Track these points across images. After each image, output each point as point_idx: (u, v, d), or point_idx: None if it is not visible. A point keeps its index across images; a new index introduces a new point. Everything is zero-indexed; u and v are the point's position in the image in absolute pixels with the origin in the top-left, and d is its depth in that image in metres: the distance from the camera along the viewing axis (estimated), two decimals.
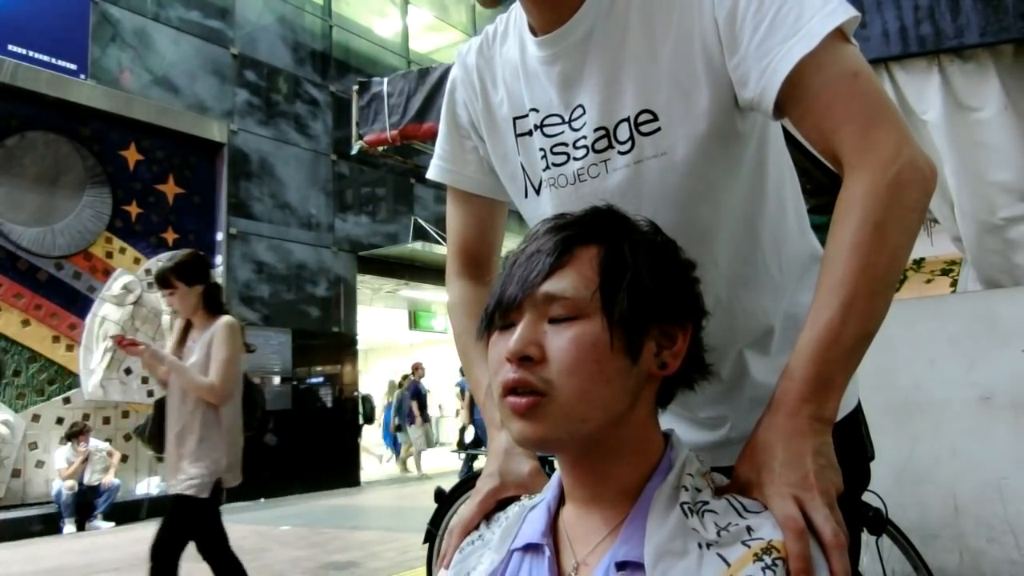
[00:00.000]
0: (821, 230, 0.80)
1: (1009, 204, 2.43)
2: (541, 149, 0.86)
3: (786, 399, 0.66)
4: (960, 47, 2.40)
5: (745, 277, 0.87)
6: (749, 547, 0.58)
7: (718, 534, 0.59)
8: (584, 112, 0.82)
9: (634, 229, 0.68)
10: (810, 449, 0.64)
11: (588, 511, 0.67)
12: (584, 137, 0.82)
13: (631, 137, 0.79)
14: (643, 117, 0.78)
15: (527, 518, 0.72)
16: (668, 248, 0.69)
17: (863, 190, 0.67)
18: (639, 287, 0.63)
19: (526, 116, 0.88)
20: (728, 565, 0.57)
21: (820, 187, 3.52)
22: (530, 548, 0.69)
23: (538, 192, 0.90)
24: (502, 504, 0.80)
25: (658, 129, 0.78)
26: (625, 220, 0.69)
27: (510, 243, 0.71)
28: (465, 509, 0.82)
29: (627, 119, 0.79)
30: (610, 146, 0.81)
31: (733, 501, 0.63)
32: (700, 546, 0.59)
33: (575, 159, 0.84)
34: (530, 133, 0.89)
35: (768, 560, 0.57)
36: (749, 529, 0.59)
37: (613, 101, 0.80)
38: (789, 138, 1.00)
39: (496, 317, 0.66)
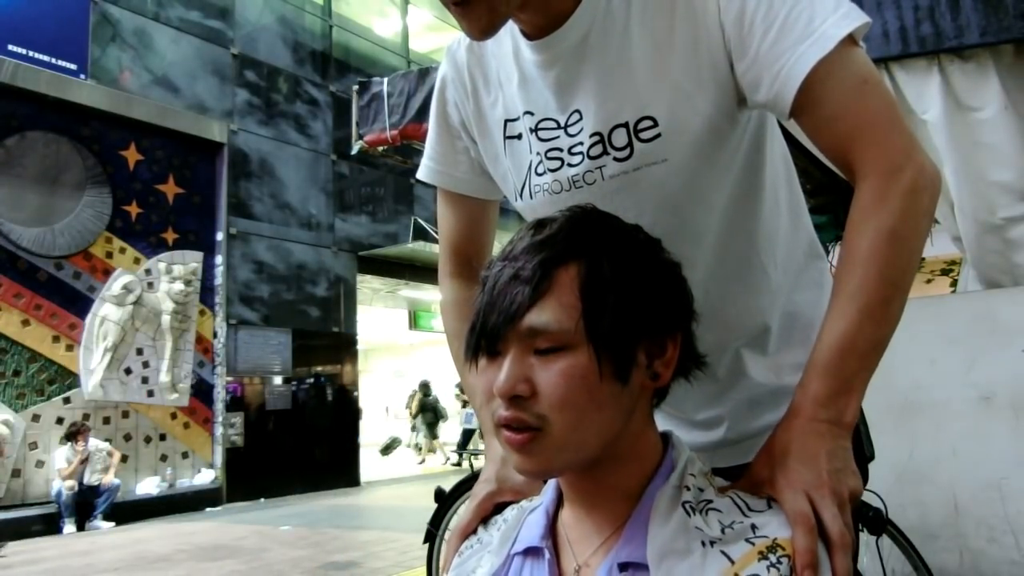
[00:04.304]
0: (821, 230, 0.80)
1: (1009, 204, 2.43)
2: (538, 153, 0.85)
3: (804, 405, 0.67)
4: (960, 47, 2.40)
5: (739, 275, 0.87)
6: (753, 544, 0.58)
7: (722, 531, 0.60)
8: (581, 117, 0.80)
9: (615, 235, 0.66)
10: (825, 450, 0.64)
11: (588, 514, 0.67)
12: (580, 143, 0.81)
13: (629, 143, 0.78)
14: (643, 124, 0.77)
15: (526, 522, 0.72)
16: (651, 251, 0.67)
17: (876, 198, 0.67)
18: (623, 308, 0.62)
19: (517, 119, 0.87)
20: (732, 562, 0.57)
21: (820, 187, 3.52)
22: (530, 552, 0.69)
23: (521, 196, 0.88)
24: (499, 508, 0.80)
25: (658, 135, 0.77)
26: (604, 225, 0.67)
27: (506, 240, 0.70)
28: (462, 514, 0.82)
29: (625, 125, 0.78)
30: (605, 152, 0.80)
31: (737, 500, 0.63)
32: (704, 544, 0.59)
33: (570, 165, 0.82)
34: (519, 137, 0.87)
35: (773, 558, 0.57)
36: (754, 527, 0.60)
37: (610, 106, 0.78)
38: (788, 137, 1.00)
39: (482, 344, 0.64)
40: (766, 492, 0.64)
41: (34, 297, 7.10)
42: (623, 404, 0.63)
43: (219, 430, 8.42)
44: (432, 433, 13.13)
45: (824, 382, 0.66)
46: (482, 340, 0.64)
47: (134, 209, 7.99)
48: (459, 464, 11.58)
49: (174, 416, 8.11)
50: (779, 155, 0.89)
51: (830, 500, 0.61)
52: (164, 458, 7.97)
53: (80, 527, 6.67)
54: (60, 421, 7.08)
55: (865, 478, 0.93)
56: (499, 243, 1.05)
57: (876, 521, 1.23)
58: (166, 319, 8.02)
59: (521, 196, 0.88)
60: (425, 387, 13.38)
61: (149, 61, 8.29)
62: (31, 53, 7.24)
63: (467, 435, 12.21)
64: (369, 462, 10.87)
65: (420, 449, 13.17)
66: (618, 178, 0.80)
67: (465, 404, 12.95)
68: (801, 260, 0.92)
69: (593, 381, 0.60)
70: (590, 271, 0.62)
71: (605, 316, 0.61)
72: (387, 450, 13.25)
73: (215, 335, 8.58)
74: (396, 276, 11.35)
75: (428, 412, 13.05)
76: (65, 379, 7.27)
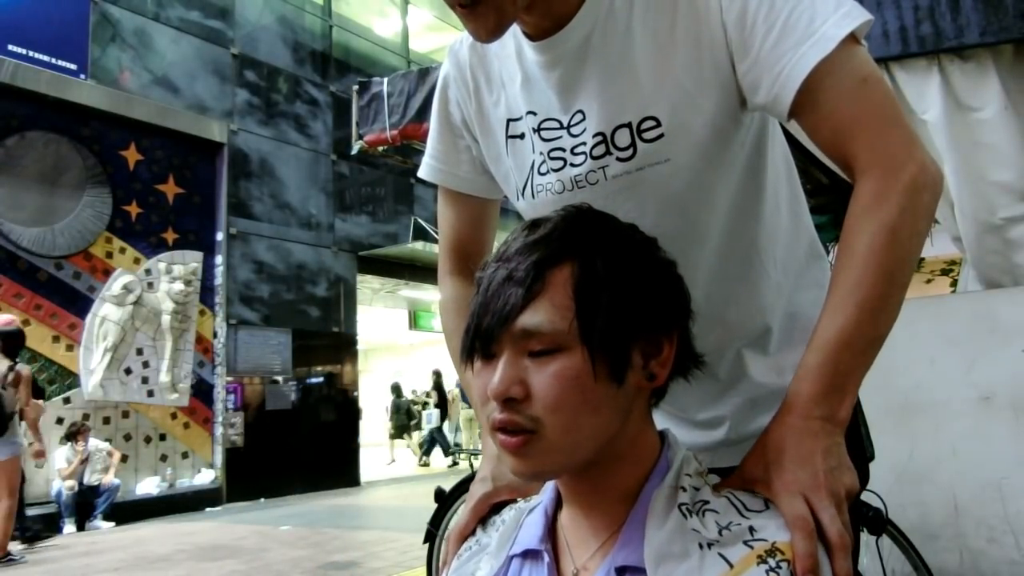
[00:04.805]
0: (821, 230, 0.80)
1: (1009, 204, 2.43)
2: (541, 153, 0.85)
3: (798, 400, 0.66)
4: (960, 47, 2.40)
5: (741, 276, 0.87)
6: (752, 548, 0.58)
7: (719, 533, 0.59)
8: (584, 118, 0.80)
9: (609, 235, 0.65)
10: (820, 449, 0.64)
11: (586, 515, 0.66)
12: (583, 143, 0.81)
13: (632, 144, 0.78)
14: (646, 124, 0.77)
15: (524, 523, 0.72)
16: (646, 249, 0.67)
17: (876, 195, 0.67)
18: (617, 308, 0.61)
19: (520, 119, 0.87)
20: (731, 566, 0.57)
21: (820, 187, 3.53)
22: (529, 554, 0.68)
23: (523, 196, 0.88)
24: (496, 508, 0.80)
25: (661, 135, 0.77)
26: (598, 224, 0.66)
27: (504, 239, 0.70)
28: (460, 515, 0.82)
29: (628, 125, 0.78)
30: (608, 152, 0.80)
31: (733, 499, 0.63)
32: (701, 546, 0.58)
33: (573, 165, 0.82)
34: (522, 136, 0.87)
35: (772, 563, 0.56)
36: (752, 529, 0.59)
37: (613, 107, 0.78)
38: (788, 137, 1.00)
39: (477, 346, 0.64)
40: (761, 493, 0.64)
41: (34, 297, 7.10)
42: (619, 405, 0.62)
43: (219, 430, 8.42)
44: (402, 434, 13.25)
45: (819, 378, 0.66)
46: (476, 342, 0.64)
47: (134, 209, 7.98)
48: (455, 464, 11.74)
49: (174, 416, 8.10)
50: (780, 155, 0.89)
51: (828, 501, 0.60)
52: (164, 458, 7.97)
53: (80, 527, 6.67)
54: (60, 421, 7.07)
55: (865, 478, 0.93)
56: (498, 242, 1.06)
57: (876, 521, 1.23)
58: (166, 319, 8.02)
59: (523, 196, 0.88)
60: (396, 389, 13.47)
61: (149, 61, 8.29)
62: (31, 53, 7.23)
63: (434, 435, 12.40)
64: (369, 462, 10.89)
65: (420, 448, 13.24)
66: (621, 178, 0.80)
67: (425, 406, 13.14)
68: (802, 260, 0.92)
69: (587, 383, 0.60)
70: (583, 271, 0.61)
71: (599, 317, 0.60)
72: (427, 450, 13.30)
73: (215, 335, 8.58)
74: (396, 276, 11.35)
75: (401, 414, 13.13)
76: (65, 379, 7.26)
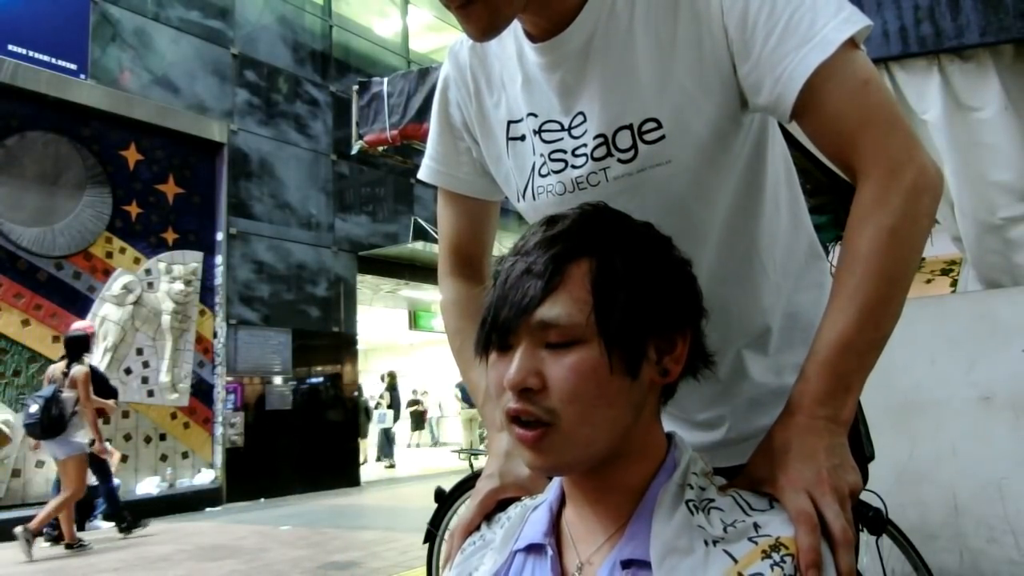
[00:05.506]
0: (821, 230, 0.80)
1: (1009, 204, 2.43)
2: (542, 155, 0.85)
3: (803, 401, 0.67)
4: (960, 47, 2.40)
5: (741, 276, 0.87)
6: (756, 543, 0.59)
7: (724, 530, 0.60)
8: (585, 120, 0.81)
9: (626, 232, 0.66)
10: (824, 447, 0.65)
11: (592, 511, 0.67)
12: (584, 145, 0.81)
13: (633, 145, 0.79)
14: (647, 126, 0.78)
15: (529, 519, 0.72)
16: (662, 248, 0.68)
17: (876, 197, 0.68)
18: (634, 304, 0.62)
19: (520, 121, 0.87)
20: (735, 561, 0.57)
21: (820, 187, 3.52)
22: (532, 549, 0.69)
23: (524, 197, 0.88)
24: (502, 505, 0.80)
25: (662, 137, 0.77)
26: (616, 222, 0.67)
27: (507, 240, 0.70)
28: (465, 510, 0.82)
29: (629, 127, 0.78)
30: (609, 154, 0.80)
31: (738, 499, 0.64)
32: (706, 543, 0.59)
33: (574, 167, 0.83)
34: (522, 138, 0.87)
35: (777, 557, 0.57)
36: (756, 526, 0.60)
37: (615, 109, 0.79)
38: (788, 138, 1.00)
39: (493, 338, 0.65)
40: (766, 491, 0.65)
41: (34, 297, 7.10)
42: (633, 399, 0.63)
43: (219, 430, 8.42)
44: (360, 433, 13.41)
45: (822, 380, 0.67)
46: (493, 334, 0.64)
47: (134, 209, 7.99)
48: (392, 466, 12.22)
49: (174, 416, 8.11)
50: (780, 156, 0.90)
51: (831, 498, 0.61)
52: (164, 458, 7.97)
53: (80, 527, 6.67)
54: None
55: (865, 478, 0.93)
56: (498, 243, 1.06)
57: (876, 521, 1.23)
58: (166, 319, 8.02)
59: (523, 197, 0.89)
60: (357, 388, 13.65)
61: (149, 61, 8.29)
62: (31, 53, 7.23)
63: (386, 434, 12.68)
64: (368, 462, 10.91)
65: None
66: (622, 179, 0.80)
67: (378, 406, 13.29)
68: (801, 261, 0.93)
69: (603, 375, 0.60)
70: (602, 266, 0.62)
71: (616, 311, 0.61)
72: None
73: (215, 335, 8.58)
74: (396, 276, 11.35)
75: (360, 414, 13.29)
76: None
